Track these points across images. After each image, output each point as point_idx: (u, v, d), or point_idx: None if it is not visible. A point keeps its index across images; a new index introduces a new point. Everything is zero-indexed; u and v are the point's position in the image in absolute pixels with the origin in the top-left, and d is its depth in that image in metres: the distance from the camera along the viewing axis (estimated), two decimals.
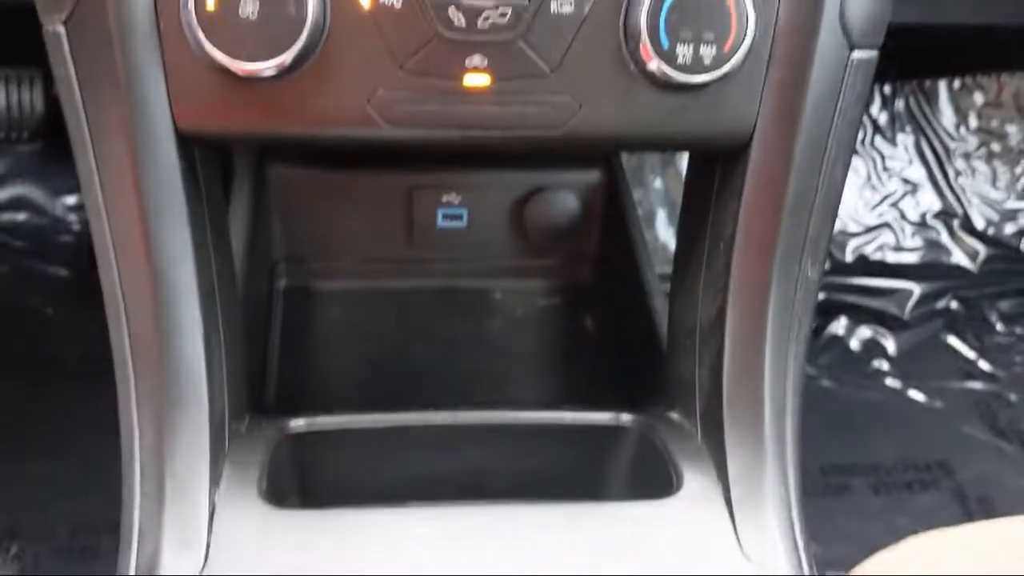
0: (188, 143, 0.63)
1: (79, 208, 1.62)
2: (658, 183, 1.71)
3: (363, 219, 1.08)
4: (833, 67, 0.64)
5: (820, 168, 0.66)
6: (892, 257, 1.72)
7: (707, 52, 0.60)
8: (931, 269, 1.69)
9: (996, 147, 1.77)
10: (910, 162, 1.76)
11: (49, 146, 1.61)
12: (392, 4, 0.59)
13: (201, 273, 0.66)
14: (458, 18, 0.60)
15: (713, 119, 0.64)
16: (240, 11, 0.57)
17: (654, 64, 0.61)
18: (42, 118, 1.57)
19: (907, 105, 1.76)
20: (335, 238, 1.09)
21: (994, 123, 1.77)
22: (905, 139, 1.76)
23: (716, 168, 0.70)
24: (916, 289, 1.65)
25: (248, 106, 0.61)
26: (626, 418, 0.76)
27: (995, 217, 1.75)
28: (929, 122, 1.76)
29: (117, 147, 0.62)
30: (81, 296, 1.48)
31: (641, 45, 0.60)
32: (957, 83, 1.76)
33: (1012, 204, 1.76)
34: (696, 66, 0.61)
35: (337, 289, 1.10)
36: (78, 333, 1.39)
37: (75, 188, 1.61)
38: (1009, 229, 1.75)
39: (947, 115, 1.77)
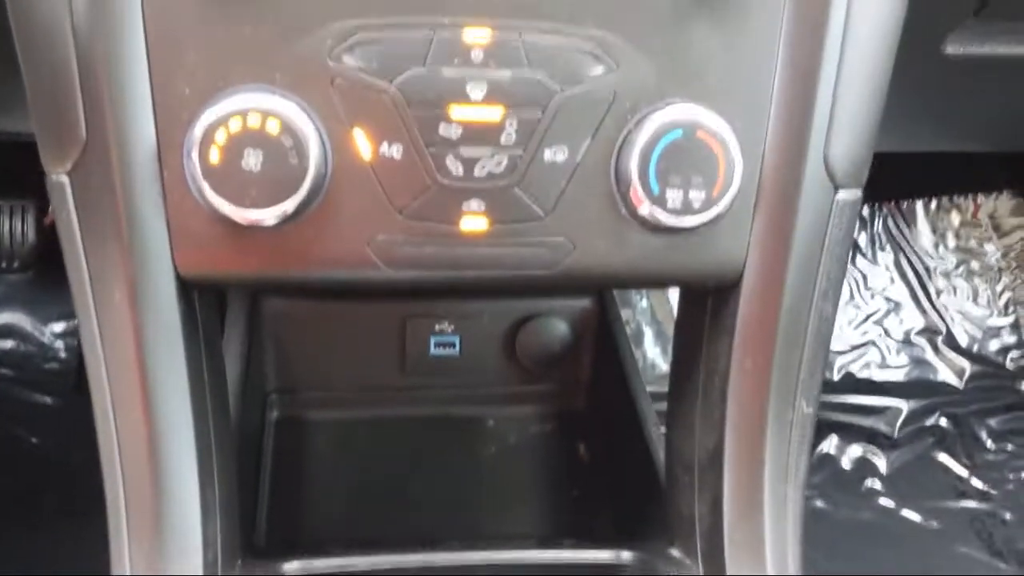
0: (188, 286, 0.64)
1: (66, 335, 1.62)
2: (644, 303, 1.73)
3: (356, 348, 1.08)
4: (819, 208, 0.66)
5: (810, 304, 0.68)
6: (879, 375, 1.73)
7: (696, 196, 0.62)
8: (918, 386, 1.70)
9: (975, 265, 1.80)
10: (892, 281, 1.79)
11: (37, 273, 1.62)
12: (392, 155, 0.61)
13: (197, 409, 0.66)
14: (456, 167, 0.62)
15: (703, 258, 0.66)
16: (243, 163, 0.58)
17: (645, 208, 0.62)
18: (33, 248, 1.58)
19: (885, 225, 1.80)
20: (328, 367, 1.09)
21: (972, 242, 1.81)
22: (885, 258, 1.80)
23: (707, 303, 0.71)
24: (904, 406, 1.66)
25: (249, 252, 0.62)
26: (626, 555, 0.75)
27: (978, 334, 1.78)
28: (908, 242, 1.80)
29: (117, 291, 0.62)
30: (67, 426, 1.47)
31: (632, 190, 0.62)
32: (934, 203, 1.81)
33: (994, 321, 1.78)
34: (686, 210, 0.62)
35: (329, 419, 1.10)
36: (64, 465, 1.36)
37: (63, 315, 1.61)
38: (993, 346, 1.77)
39: (925, 235, 1.81)
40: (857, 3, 0.64)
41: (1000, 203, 1.81)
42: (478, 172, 0.62)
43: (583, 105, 0.62)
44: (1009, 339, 1.78)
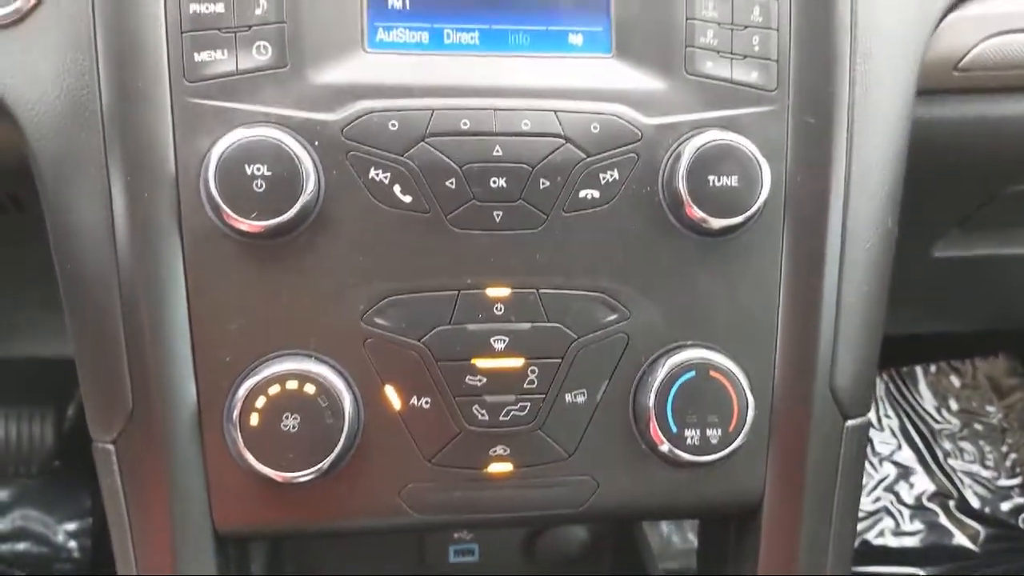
0: (225, 539, 0.66)
1: (79, 535, 1.61)
2: None
3: (376, 556, 1.09)
4: (830, 437, 0.69)
5: (829, 522, 0.70)
6: (894, 542, 1.72)
7: (713, 433, 0.65)
8: (935, 552, 1.69)
9: (979, 427, 1.82)
10: (899, 446, 1.80)
11: (51, 475, 1.63)
12: (421, 406, 0.65)
13: None
14: (482, 414, 0.65)
15: (724, 489, 0.68)
16: (282, 425, 0.61)
17: (665, 447, 0.65)
18: (51, 453, 1.59)
19: (888, 391, 1.83)
20: None
21: (974, 404, 1.83)
22: (890, 423, 1.82)
23: (730, 529, 0.73)
24: (922, 574, 1.64)
25: (285, 507, 0.64)
26: None
27: (989, 496, 1.78)
28: (912, 406, 1.82)
29: (157, 549, 0.65)
30: None
31: (651, 428, 0.65)
32: (933, 368, 1.84)
33: (1004, 482, 1.79)
34: (705, 447, 0.66)
35: None
36: None
37: (75, 515, 1.61)
38: (1005, 507, 1.77)
39: (927, 398, 1.83)
40: (852, 236, 0.69)
41: (996, 365, 1.85)
42: (503, 417, 0.65)
43: (599, 350, 0.66)
44: (1020, 500, 1.78)
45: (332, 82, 0.65)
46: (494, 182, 0.65)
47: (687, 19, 0.68)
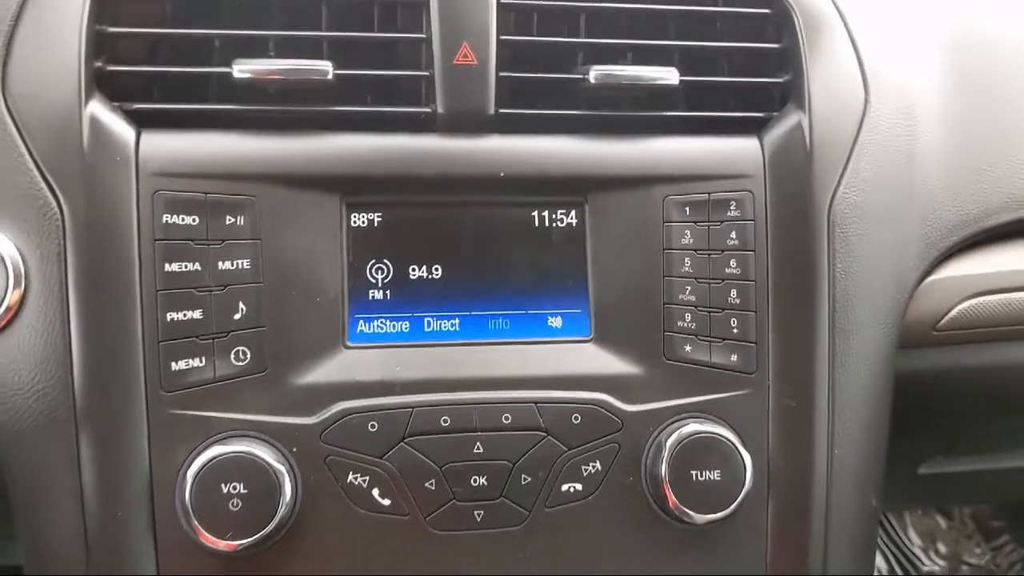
0: None
1: None
2: None
3: None
4: None
5: None
6: None
7: None
8: None
9: (965, 569, 1.81)
10: None
11: None
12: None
13: None
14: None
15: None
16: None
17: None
18: None
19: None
20: None
21: (960, 546, 1.82)
22: (879, 565, 1.80)
23: None
24: None
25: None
26: None
27: None
28: (900, 548, 1.81)
29: None
30: None
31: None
32: (920, 510, 1.83)
33: None
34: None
35: None
36: None
37: None
38: None
39: (915, 541, 1.82)
40: (836, 518, 0.69)
41: (982, 507, 1.84)
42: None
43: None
44: None
45: (311, 383, 0.64)
46: (475, 480, 0.65)
47: (665, 304, 0.68)
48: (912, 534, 1.82)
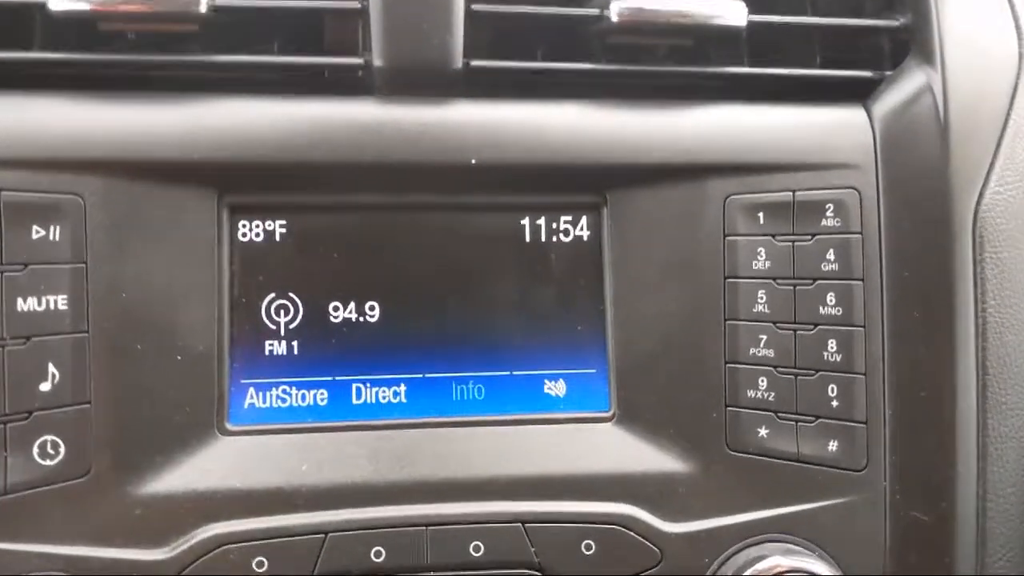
0: None
1: None
2: None
3: None
4: None
5: None
6: None
7: None
8: None
9: None
10: None
11: None
12: None
13: None
14: None
15: None
16: None
17: None
18: None
19: None
20: None
21: None
22: None
23: None
24: None
25: None
26: None
27: None
28: None
29: None
30: None
31: None
32: None
33: None
34: None
35: None
36: None
37: None
38: None
39: None
40: None
41: None
42: None
43: None
44: None
45: (164, 493, 0.46)
46: None
47: (727, 363, 0.47)
48: None
